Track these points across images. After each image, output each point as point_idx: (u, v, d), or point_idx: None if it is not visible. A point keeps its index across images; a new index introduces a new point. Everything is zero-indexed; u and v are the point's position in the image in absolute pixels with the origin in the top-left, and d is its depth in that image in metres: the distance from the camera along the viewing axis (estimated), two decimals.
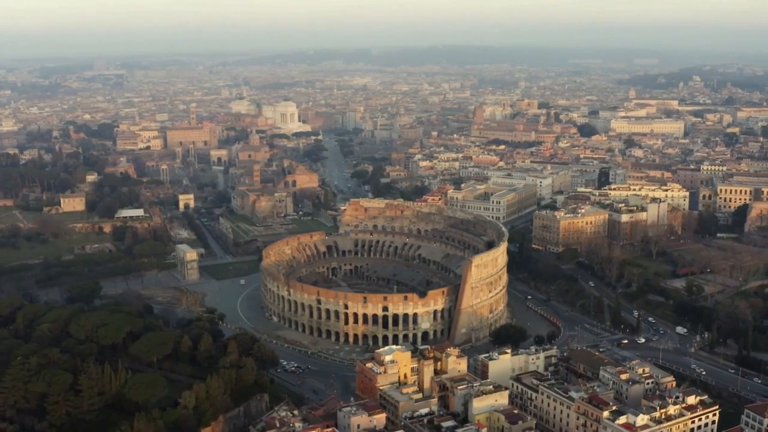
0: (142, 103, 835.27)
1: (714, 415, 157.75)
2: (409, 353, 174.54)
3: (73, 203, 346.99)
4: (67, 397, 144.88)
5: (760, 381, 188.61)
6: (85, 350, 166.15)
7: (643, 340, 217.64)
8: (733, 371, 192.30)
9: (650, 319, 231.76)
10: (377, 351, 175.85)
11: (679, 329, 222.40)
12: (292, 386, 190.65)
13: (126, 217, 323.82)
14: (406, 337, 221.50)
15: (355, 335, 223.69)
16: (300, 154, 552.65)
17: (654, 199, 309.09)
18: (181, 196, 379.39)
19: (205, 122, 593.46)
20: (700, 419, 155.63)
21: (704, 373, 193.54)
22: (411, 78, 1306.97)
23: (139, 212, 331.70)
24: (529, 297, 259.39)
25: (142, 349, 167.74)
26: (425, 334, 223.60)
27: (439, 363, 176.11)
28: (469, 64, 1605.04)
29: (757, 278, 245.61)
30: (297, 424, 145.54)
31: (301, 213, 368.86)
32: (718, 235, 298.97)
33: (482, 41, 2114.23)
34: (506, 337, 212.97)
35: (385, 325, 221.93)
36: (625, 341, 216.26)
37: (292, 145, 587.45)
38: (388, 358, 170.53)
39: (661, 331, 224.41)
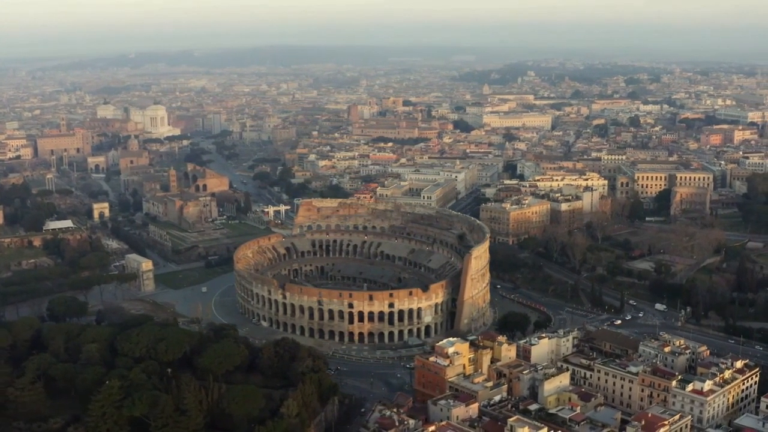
0: None
1: (756, 376, 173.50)
2: (467, 344, 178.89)
3: None
4: (175, 417, 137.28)
5: (761, 348, 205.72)
6: (149, 368, 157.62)
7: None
8: (733, 341, 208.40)
9: (625, 299, 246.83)
10: (438, 344, 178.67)
11: (658, 306, 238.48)
12: None
13: (56, 229, 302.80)
14: (410, 332, 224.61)
15: (360, 333, 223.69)
16: (176, 158, 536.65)
17: (587, 188, 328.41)
18: (95, 205, 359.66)
19: (77, 129, 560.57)
20: (748, 381, 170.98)
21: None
22: (245, 79, 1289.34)
23: (68, 224, 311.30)
24: (499, 286, 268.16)
25: (213, 362, 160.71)
26: (427, 327, 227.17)
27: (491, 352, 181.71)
28: (295, 64, 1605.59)
29: (709, 256, 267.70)
30: (410, 421, 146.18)
31: (225, 217, 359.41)
32: (647, 219, 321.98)
33: (302, 41, 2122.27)
34: (513, 324, 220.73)
35: (391, 322, 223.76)
36: (618, 321, 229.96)
37: (166, 149, 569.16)
38: (451, 350, 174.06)
39: (642, 309, 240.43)
